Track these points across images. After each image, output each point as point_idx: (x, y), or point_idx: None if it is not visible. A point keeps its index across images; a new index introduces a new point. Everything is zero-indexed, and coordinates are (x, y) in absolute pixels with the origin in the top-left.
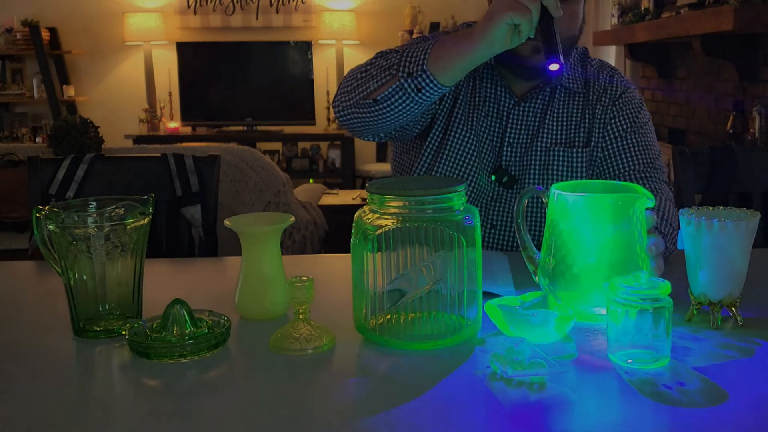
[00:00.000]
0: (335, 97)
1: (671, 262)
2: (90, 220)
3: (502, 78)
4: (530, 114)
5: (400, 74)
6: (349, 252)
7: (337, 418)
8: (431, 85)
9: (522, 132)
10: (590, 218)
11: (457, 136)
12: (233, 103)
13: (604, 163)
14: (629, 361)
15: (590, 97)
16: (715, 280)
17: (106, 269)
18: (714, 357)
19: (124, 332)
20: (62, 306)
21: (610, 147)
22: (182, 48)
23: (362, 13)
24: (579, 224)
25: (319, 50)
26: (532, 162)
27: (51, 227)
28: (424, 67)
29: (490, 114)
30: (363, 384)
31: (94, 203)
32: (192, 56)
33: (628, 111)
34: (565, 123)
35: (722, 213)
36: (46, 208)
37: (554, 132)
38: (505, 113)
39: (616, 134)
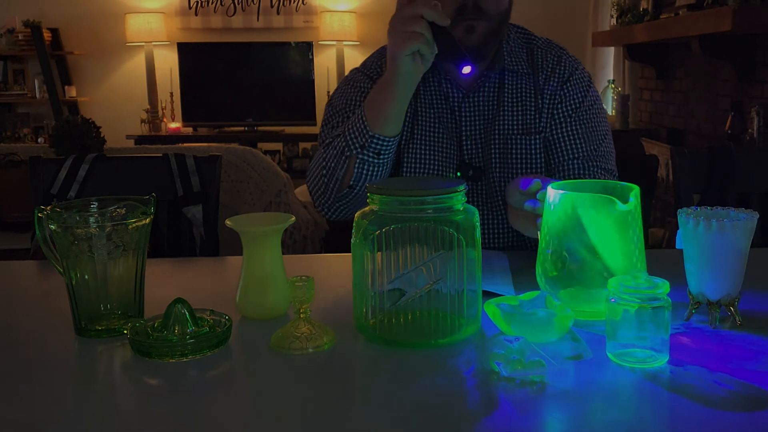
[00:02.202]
0: (315, 205)
1: (670, 261)
2: (92, 219)
3: (446, 73)
4: (483, 103)
5: (355, 152)
6: (349, 252)
7: (338, 417)
8: (384, 142)
9: (478, 123)
10: (588, 217)
11: (412, 144)
12: (234, 103)
13: (550, 147)
14: (628, 360)
15: (539, 80)
16: (714, 279)
17: (107, 269)
18: (712, 356)
19: (125, 331)
20: (64, 305)
21: (556, 131)
22: (183, 49)
23: (362, 14)
24: (577, 224)
25: (319, 51)
26: (492, 151)
27: (53, 227)
28: (370, 133)
29: (442, 112)
30: (363, 383)
31: (96, 203)
32: (193, 57)
33: (575, 93)
34: (519, 108)
35: (720, 213)
36: (48, 208)
37: (510, 119)
38: (456, 107)
39: (563, 118)
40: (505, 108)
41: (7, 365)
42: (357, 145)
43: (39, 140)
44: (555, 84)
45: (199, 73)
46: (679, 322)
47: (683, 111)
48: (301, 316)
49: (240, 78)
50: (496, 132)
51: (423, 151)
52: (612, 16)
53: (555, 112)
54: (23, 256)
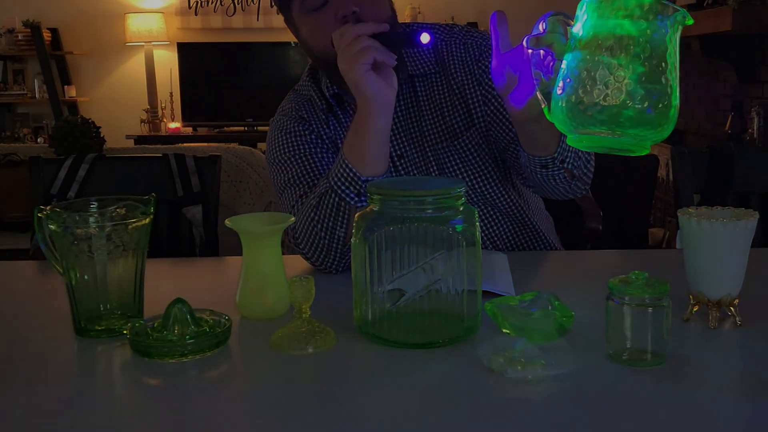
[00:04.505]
0: (317, 266)
1: (670, 261)
2: (91, 220)
3: (347, 104)
4: (400, 118)
5: (353, 203)
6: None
7: (338, 417)
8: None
9: (403, 139)
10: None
11: None
12: (234, 103)
13: (496, 132)
14: (627, 360)
15: (451, 71)
16: (714, 279)
17: (107, 269)
18: (712, 356)
19: (125, 331)
20: (63, 305)
21: (491, 114)
22: (183, 49)
23: None
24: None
25: None
26: (428, 163)
27: (52, 227)
28: (363, 178)
29: None
30: (363, 383)
31: (96, 203)
32: (193, 57)
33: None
34: (439, 114)
35: (720, 212)
36: (48, 208)
37: (434, 128)
38: None
39: (491, 97)
40: (425, 117)
41: (6, 365)
42: (353, 195)
43: (39, 140)
44: (470, 69)
45: (199, 73)
46: (678, 323)
47: (683, 111)
48: (302, 316)
49: (240, 78)
50: (426, 145)
51: None
52: None
53: (484, 89)
54: (23, 256)
